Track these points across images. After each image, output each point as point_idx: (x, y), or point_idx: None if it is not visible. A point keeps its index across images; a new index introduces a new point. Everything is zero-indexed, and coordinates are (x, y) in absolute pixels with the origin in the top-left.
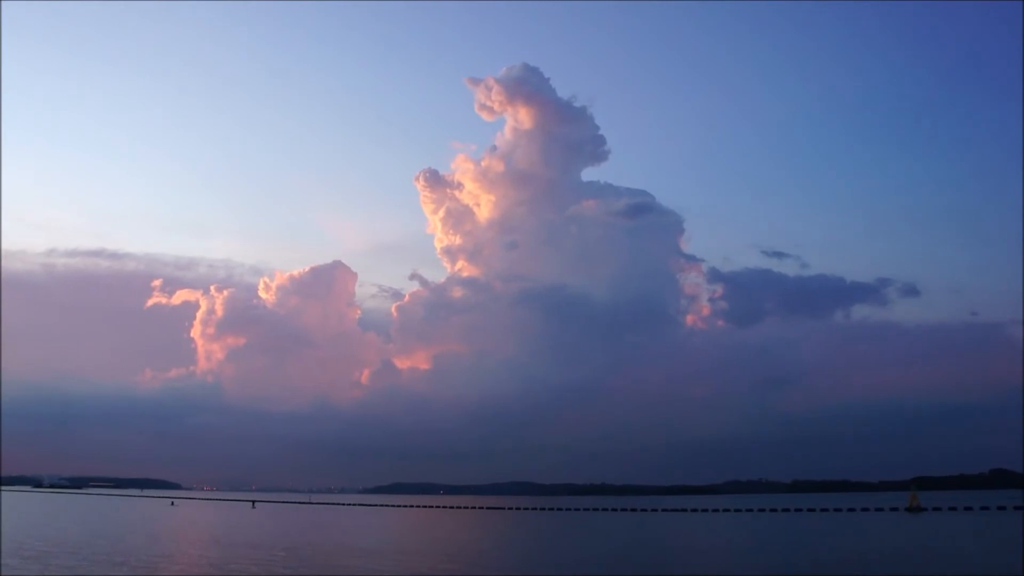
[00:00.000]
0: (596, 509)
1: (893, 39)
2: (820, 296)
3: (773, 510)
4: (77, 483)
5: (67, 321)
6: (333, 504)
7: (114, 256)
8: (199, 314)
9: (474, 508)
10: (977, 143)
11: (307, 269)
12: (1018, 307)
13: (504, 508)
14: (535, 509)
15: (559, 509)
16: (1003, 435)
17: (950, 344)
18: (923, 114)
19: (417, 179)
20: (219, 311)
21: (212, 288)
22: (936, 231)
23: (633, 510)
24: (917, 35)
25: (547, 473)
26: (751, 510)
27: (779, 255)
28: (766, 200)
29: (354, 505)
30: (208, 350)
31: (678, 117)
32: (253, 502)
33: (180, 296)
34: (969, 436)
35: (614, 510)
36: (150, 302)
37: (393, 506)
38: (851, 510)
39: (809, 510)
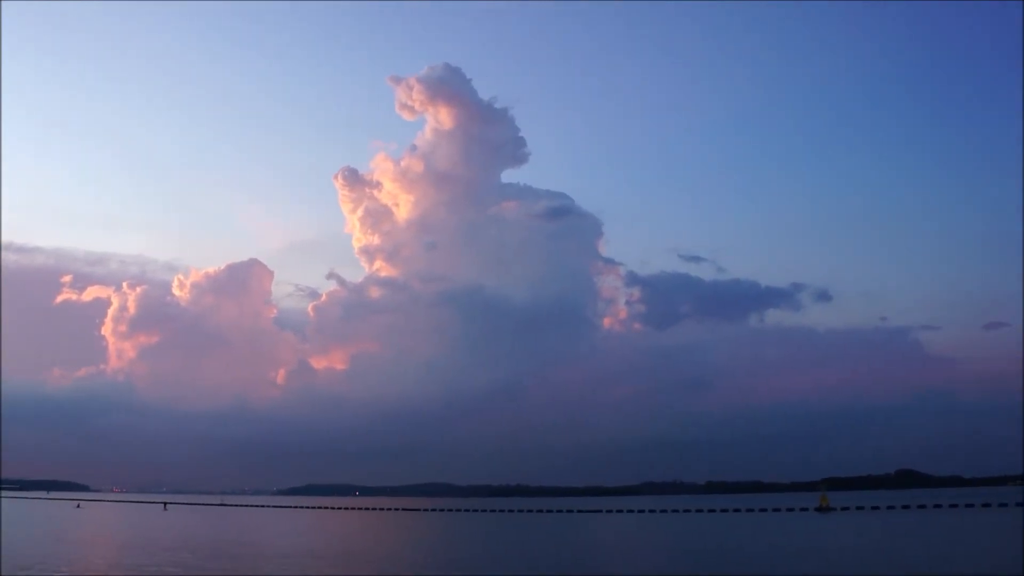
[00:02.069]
0: (513, 510)
1: (816, 43)
2: (735, 300)
3: (687, 511)
4: None
5: None
6: (246, 506)
7: (22, 250)
8: (111, 311)
9: (389, 509)
10: (889, 150)
11: (223, 267)
12: (926, 312)
13: (420, 509)
14: (451, 510)
15: (475, 510)
16: (908, 437)
17: (860, 348)
18: (837, 122)
19: (336, 177)
20: (131, 308)
21: (124, 285)
22: (848, 238)
23: (549, 511)
24: (836, 38)
25: (464, 474)
26: (666, 511)
27: (696, 259)
28: (684, 204)
29: (267, 507)
30: (119, 348)
31: (598, 121)
32: (164, 504)
33: (91, 292)
34: (877, 438)
35: (531, 511)
36: (59, 298)
37: (307, 508)
38: (763, 510)
39: (722, 511)
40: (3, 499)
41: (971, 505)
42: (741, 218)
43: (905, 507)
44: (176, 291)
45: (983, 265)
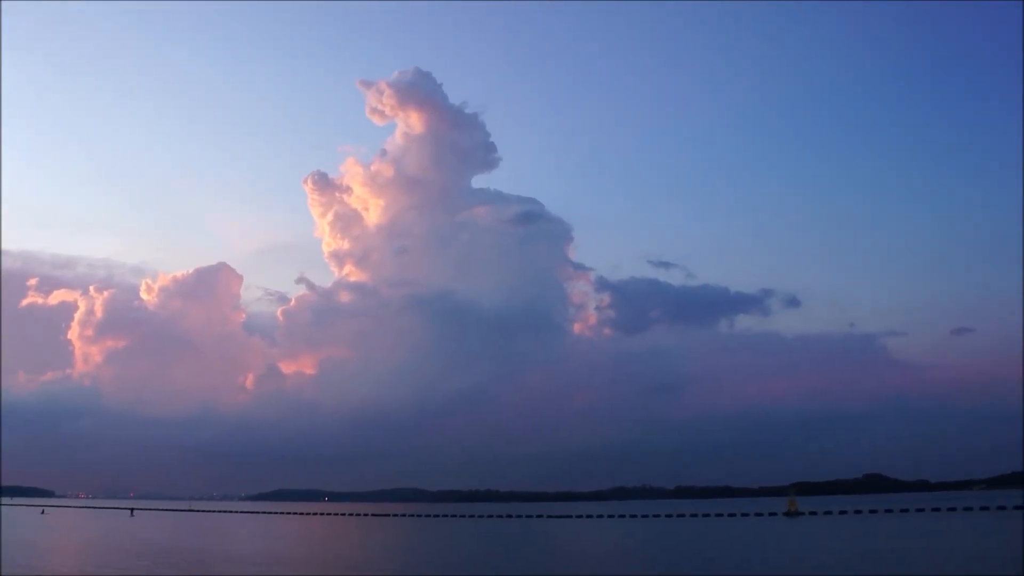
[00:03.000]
0: (482, 516)
1: (785, 49)
2: (705, 306)
3: (657, 516)
4: None
5: None
6: (215, 511)
7: None
8: (77, 315)
9: (358, 515)
10: (858, 159)
11: (191, 271)
12: (894, 319)
13: (389, 515)
14: (421, 516)
15: (445, 516)
16: (876, 442)
17: (828, 354)
18: (807, 130)
19: (306, 182)
20: (98, 312)
21: (91, 288)
22: (817, 245)
23: (519, 516)
24: (809, 43)
25: (433, 480)
26: (635, 516)
27: (666, 265)
28: (654, 211)
29: (236, 512)
30: (86, 352)
31: (568, 126)
32: (131, 510)
33: (57, 296)
34: (845, 443)
35: (500, 516)
36: (25, 302)
37: (276, 513)
38: (732, 515)
39: (692, 516)
40: None
41: (937, 509)
42: (711, 224)
43: (872, 511)
44: (144, 295)
45: (949, 272)
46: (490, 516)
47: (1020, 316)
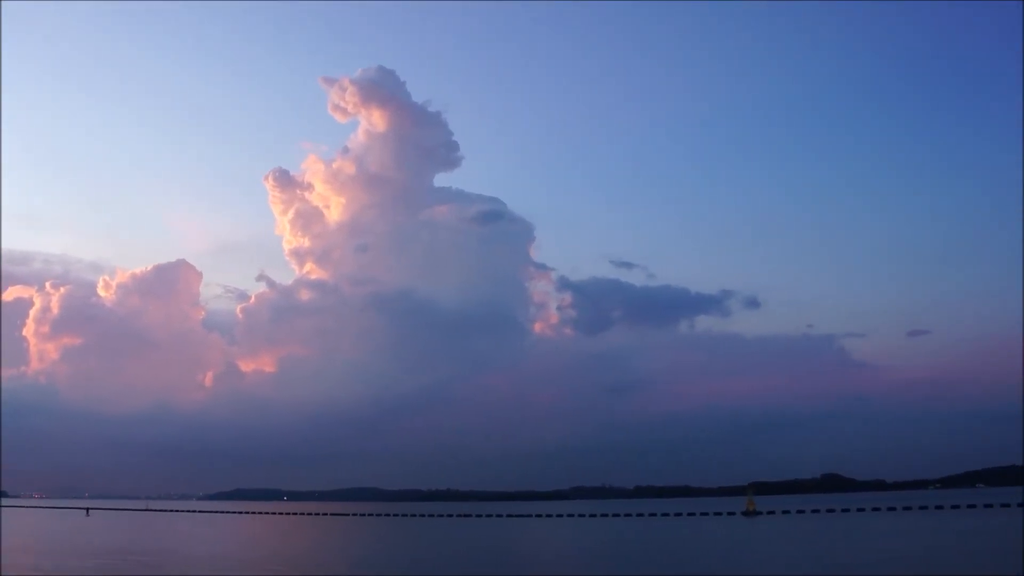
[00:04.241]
0: (441, 515)
1: (748, 48)
2: (666, 306)
3: (616, 515)
4: None
5: None
6: (172, 511)
7: None
8: (32, 312)
9: (317, 514)
10: (814, 161)
11: (150, 267)
12: (852, 320)
13: (348, 514)
14: (379, 515)
15: (404, 515)
16: (833, 442)
17: (787, 355)
18: (766, 131)
19: (266, 178)
20: (54, 309)
21: (47, 285)
22: (777, 246)
23: (479, 516)
24: (773, 42)
25: (393, 479)
26: (595, 515)
27: (627, 265)
28: (616, 211)
29: (193, 512)
30: (41, 350)
31: (531, 125)
32: (87, 509)
33: (12, 292)
34: (803, 443)
35: (459, 516)
36: None
37: (234, 512)
38: (691, 514)
39: (651, 515)
40: None
41: (893, 508)
42: (672, 225)
43: (830, 511)
44: (101, 292)
45: (907, 275)
46: (449, 516)
47: (975, 319)
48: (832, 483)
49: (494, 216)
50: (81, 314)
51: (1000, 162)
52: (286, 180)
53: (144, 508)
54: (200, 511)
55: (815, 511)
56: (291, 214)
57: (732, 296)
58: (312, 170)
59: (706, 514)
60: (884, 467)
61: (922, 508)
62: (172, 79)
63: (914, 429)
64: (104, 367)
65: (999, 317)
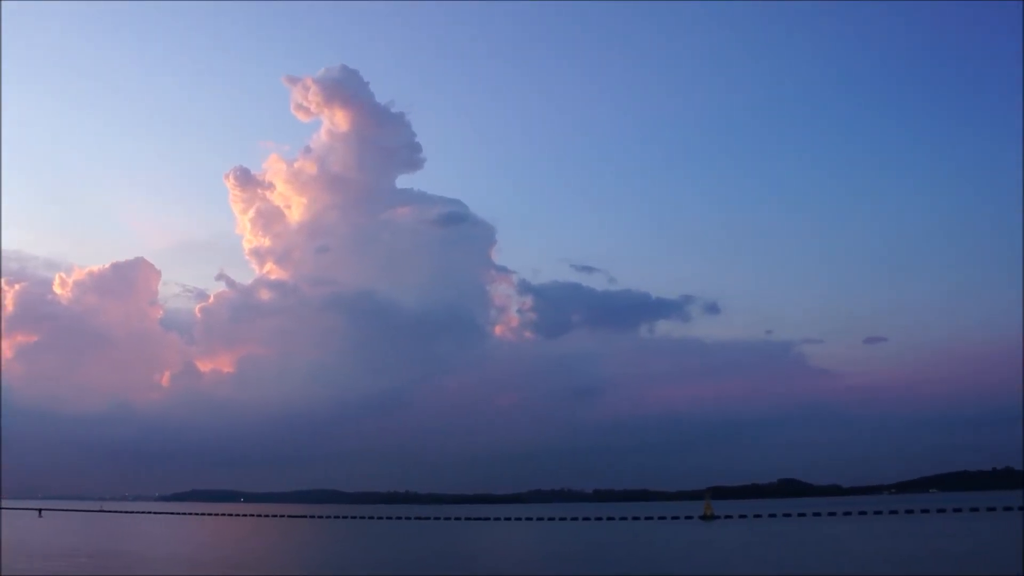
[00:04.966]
0: (399, 517)
1: (715, 50)
2: (626, 310)
3: (575, 519)
4: None
5: None
6: (127, 512)
7: None
8: None
9: (275, 516)
10: (774, 169)
11: (107, 265)
12: (810, 327)
13: (306, 516)
14: (338, 517)
15: (362, 517)
16: (791, 447)
17: (746, 360)
18: (727, 138)
19: (227, 177)
20: (9, 306)
21: (2, 282)
22: (737, 252)
23: (437, 519)
24: (743, 44)
25: (351, 481)
26: (553, 519)
27: (588, 269)
28: (577, 214)
29: (149, 513)
30: None
31: (494, 128)
32: (39, 510)
33: None
34: (760, 448)
35: (418, 518)
36: None
37: (190, 514)
38: (649, 519)
39: (609, 519)
40: None
41: (848, 513)
42: (634, 229)
43: (787, 515)
44: (57, 289)
45: (864, 282)
46: (408, 518)
47: (931, 327)
48: (789, 488)
49: (456, 218)
50: (37, 312)
51: (970, 169)
52: (247, 179)
53: (98, 509)
54: (155, 512)
55: (772, 515)
56: (252, 213)
57: (692, 301)
58: (273, 169)
59: (664, 518)
60: (840, 472)
61: (876, 513)
62: (133, 75)
63: (870, 435)
64: (60, 366)
65: (955, 325)
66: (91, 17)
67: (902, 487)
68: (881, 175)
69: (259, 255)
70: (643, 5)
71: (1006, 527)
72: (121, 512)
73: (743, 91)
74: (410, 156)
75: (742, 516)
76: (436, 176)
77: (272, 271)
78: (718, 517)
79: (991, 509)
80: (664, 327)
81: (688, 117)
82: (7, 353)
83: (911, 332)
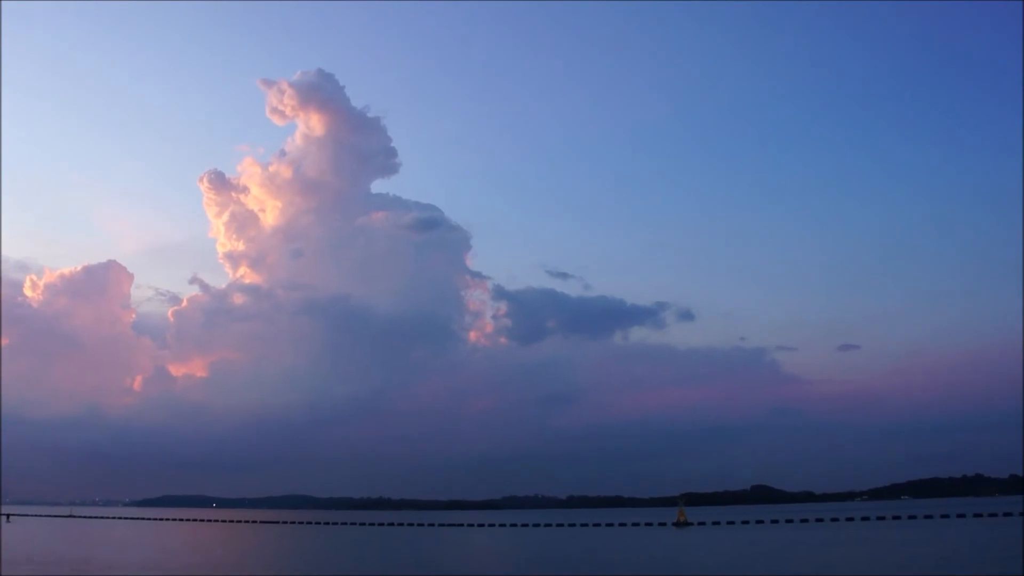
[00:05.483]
0: (373, 524)
1: (681, 63)
2: (601, 317)
3: (548, 525)
4: None
5: None
6: (97, 517)
7: None
8: None
9: (246, 522)
10: (749, 175)
11: (79, 268)
12: (783, 334)
13: (278, 522)
14: (310, 523)
15: (335, 523)
16: (764, 454)
17: (720, 367)
18: (702, 145)
19: (201, 180)
20: None
21: None
22: (711, 259)
23: (410, 525)
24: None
25: (325, 487)
26: (527, 525)
27: (563, 276)
28: (553, 221)
29: (119, 518)
30: None
31: (469, 133)
32: (7, 516)
33: None
34: (734, 454)
35: (391, 525)
36: None
37: (161, 520)
38: (623, 525)
39: (583, 525)
40: None
41: (821, 520)
42: (609, 236)
43: (759, 522)
44: (28, 292)
45: (838, 290)
46: (381, 524)
47: (903, 335)
48: (762, 494)
49: (431, 223)
50: (6, 314)
51: (930, 174)
52: (222, 182)
53: (68, 515)
54: (126, 517)
55: (745, 522)
56: (226, 217)
57: (667, 308)
58: (248, 173)
59: (638, 525)
60: (813, 479)
61: (849, 519)
62: (106, 76)
63: (842, 442)
64: (30, 369)
65: (927, 334)
66: (64, 18)
67: (874, 494)
68: (855, 185)
69: (233, 259)
70: (619, 6)
71: (978, 533)
72: (91, 517)
73: (721, 97)
74: (385, 161)
75: (715, 523)
76: (412, 181)
77: (246, 275)
78: (691, 524)
79: (961, 516)
80: (638, 334)
81: (664, 125)
82: None
83: (884, 340)
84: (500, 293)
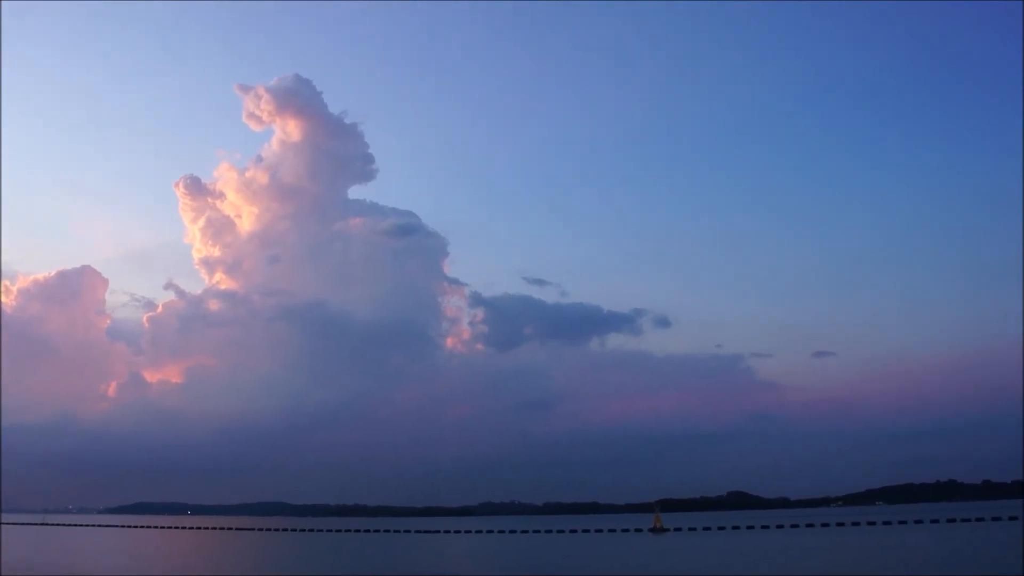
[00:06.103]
0: (349, 531)
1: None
2: (578, 324)
3: (524, 532)
4: None
5: None
6: (70, 525)
7: None
8: None
9: (221, 529)
10: (725, 183)
11: (53, 273)
12: (759, 341)
13: (253, 529)
14: (286, 530)
15: (311, 530)
16: (740, 460)
17: (696, 374)
18: (678, 153)
19: (177, 185)
20: None
21: None
22: (688, 266)
23: (386, 531)
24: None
25: (301, 493)
26: (503, 531)
27: (540, 282)
28: (530, 228)
29: (93, 526)
30: None
31: (447, 139)
32: None
33: None
34: (710, 461)
35: (367, 531)
36: None
37: (135, 527)
38: (599, 531)
39: (559, 532)
40: None
41: (796, 526)
42: (586, 243)
43: (735, 527)
44: (2, 297)
45: (813, 297)
46: (357, 531)
47: (878, 342)
48: (738, 500)
49: (408, 230)
50: None
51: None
52: (197, 188)
53: (40, 522)
54: (100, 525)
55: (721, 528)
56: (202, 222)
57: (643, 315)
58: (225, 178)
59: (614, 531)
60: (789, 485)
61: (824, 525)
62: (81, 80)
63: (818, 448)
64: (3, 375)
65: (901, 341)
66: (37, 20)
67: (850, 500)
68: (850, 187)
69: (209, 264)
70: (597, 7)
71: (955, 538)
72: (64, 525)
73: (702, 101)
74: (363, 167)
75: (691, 529)
76: (389, 187)
77: (222, 281)
78: (667, 530)
79: (935, 521)
80: (615, 340)
81: (641, 131)
82: None
83: (859, 347)
84: (477, 299)
